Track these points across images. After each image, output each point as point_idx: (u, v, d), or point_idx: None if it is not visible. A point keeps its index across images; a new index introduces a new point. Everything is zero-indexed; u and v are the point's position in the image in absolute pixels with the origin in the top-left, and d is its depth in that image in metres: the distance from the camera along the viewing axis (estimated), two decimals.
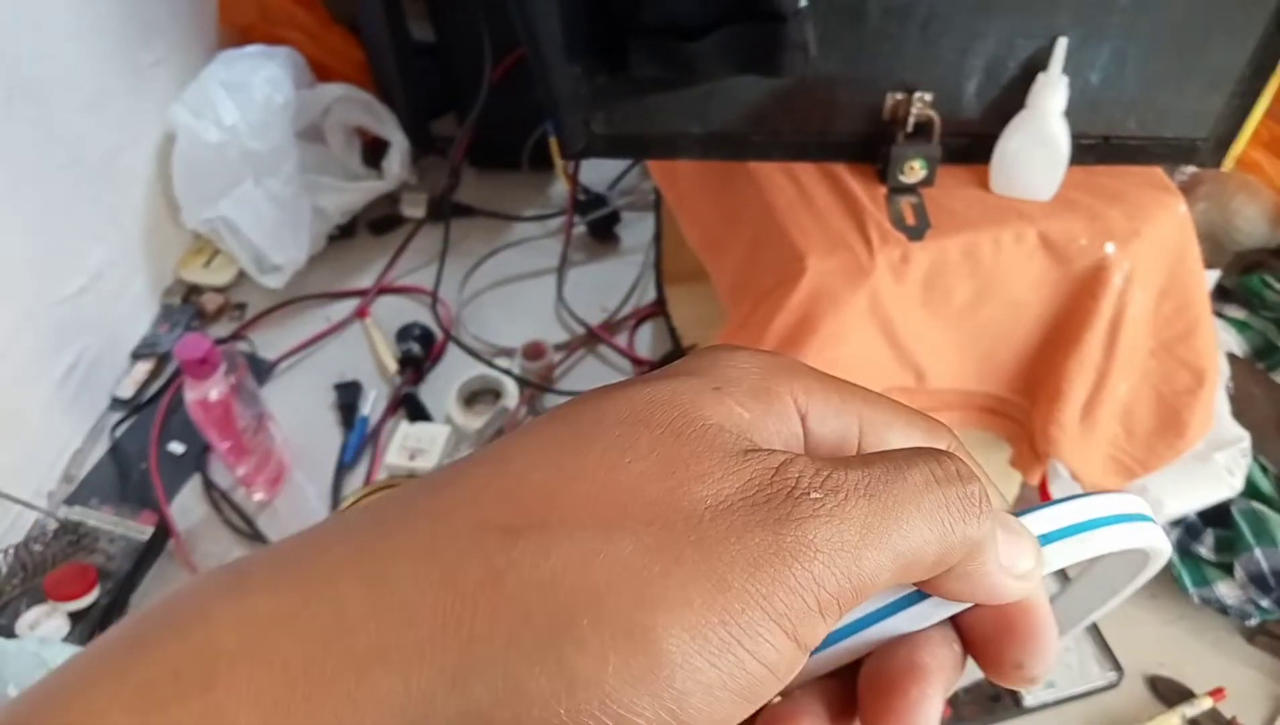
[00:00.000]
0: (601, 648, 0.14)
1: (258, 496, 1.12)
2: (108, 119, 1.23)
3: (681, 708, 0.15)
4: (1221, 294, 1.18)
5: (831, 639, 0.19)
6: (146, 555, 1.04)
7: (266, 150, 1.29)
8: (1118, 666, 0.93)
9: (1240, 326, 1.16)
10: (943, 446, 0.21)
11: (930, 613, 0.20)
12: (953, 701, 0.89)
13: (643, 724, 0.14)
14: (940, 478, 0.18)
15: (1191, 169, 1.04)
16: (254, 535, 1.09)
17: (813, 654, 0.17)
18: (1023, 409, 0.82)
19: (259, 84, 1.30)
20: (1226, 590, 0.94)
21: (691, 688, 0.15)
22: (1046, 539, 0.21)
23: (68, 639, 0.94)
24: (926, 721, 0.18)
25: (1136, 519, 0.22)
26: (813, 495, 0.16)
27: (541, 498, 0.16)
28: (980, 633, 0.20)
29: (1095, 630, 0.95)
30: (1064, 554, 0.21)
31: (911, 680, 0.19)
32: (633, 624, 0.15)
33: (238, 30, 1.48)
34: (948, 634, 0.20)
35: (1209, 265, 1.02)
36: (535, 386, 1.23)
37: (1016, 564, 0.19)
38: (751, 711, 0.16)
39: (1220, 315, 1.15)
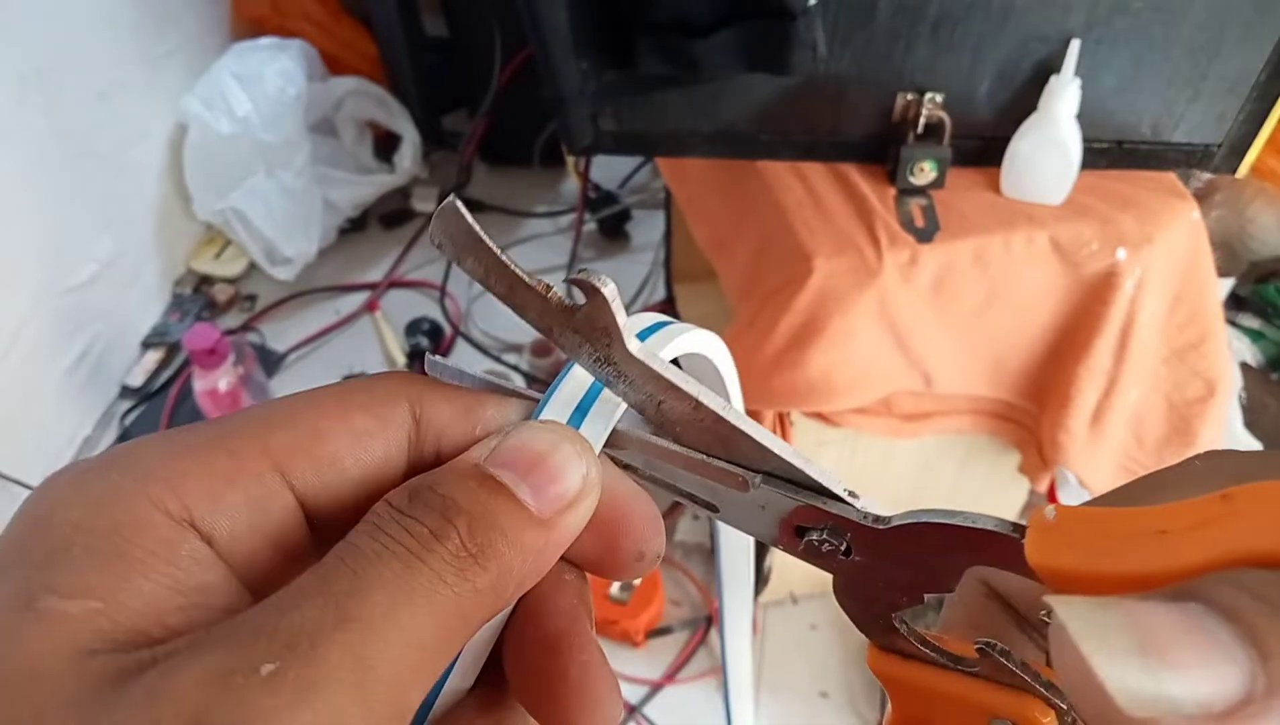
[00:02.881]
0: None
1: None
2: (120, 109, 1.24)
3: None
4: (1236, 303, 1.17)
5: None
6: None
7: (278, 142, 1.30)
8: None
9: (1254, 336, 1.14)
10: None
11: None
12: None
13: None
14: (415, 548, 0.14)
15: (1207, 175, 1.03)
16: None
17: None
18: (1031, 415, 0.81)
19: (271, 76, 1.31)
20: None
21: None
22: (578, 413, 0.19)
23: None
24: (600, 673, 0.17)
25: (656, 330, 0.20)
26: (251, 689, 0.12)
27: None
28: (586, 552, 0.18)
29: None
30: (601, 418, 0.19)
31: (565, 652, 0.17)
32: None
33: (250, 22, 1.48)
34: (559, 575, 0.18)
35: (1224, 274, 1.01)
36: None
37: (563, 497, 0.16)
38: None
39: (1234, 324, 1.14)
